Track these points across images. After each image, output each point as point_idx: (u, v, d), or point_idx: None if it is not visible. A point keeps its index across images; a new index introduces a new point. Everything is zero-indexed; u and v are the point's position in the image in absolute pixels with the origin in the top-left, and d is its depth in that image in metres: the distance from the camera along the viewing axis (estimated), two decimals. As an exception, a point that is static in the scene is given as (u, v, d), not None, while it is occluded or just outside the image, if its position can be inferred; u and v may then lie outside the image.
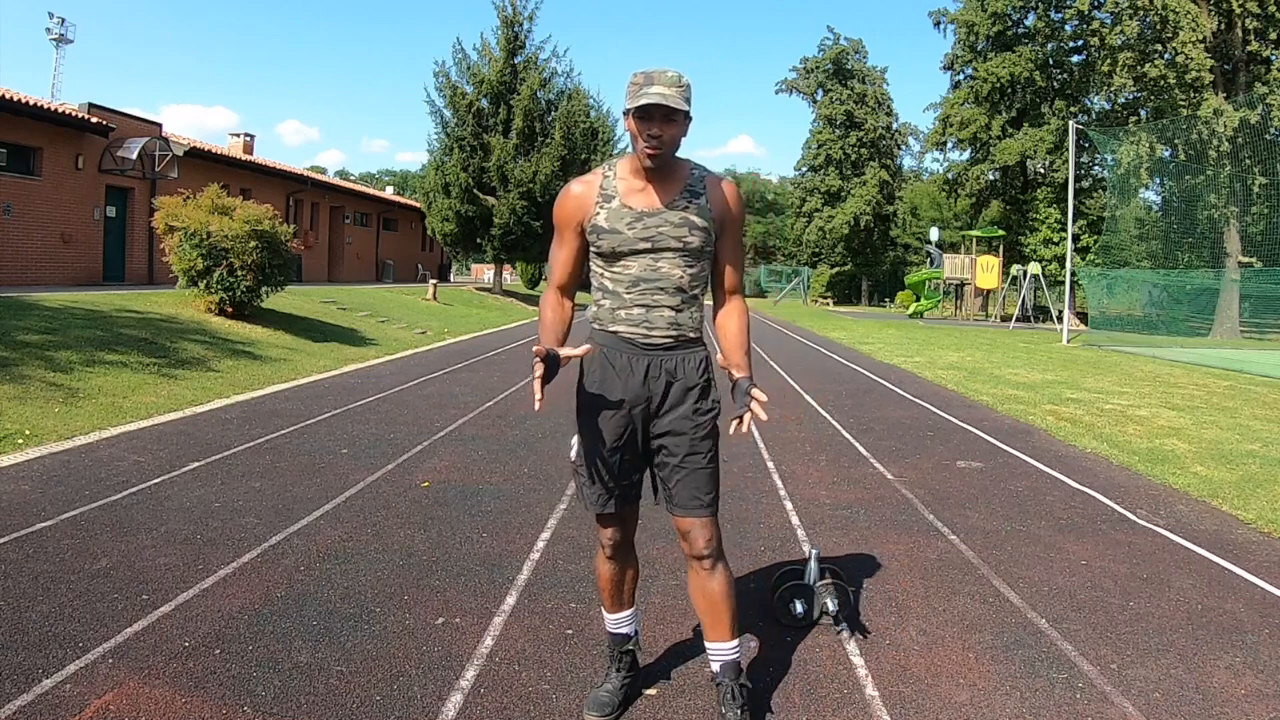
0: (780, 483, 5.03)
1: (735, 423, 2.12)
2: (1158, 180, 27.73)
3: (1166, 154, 26.06)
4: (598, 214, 2.15)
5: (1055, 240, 31.51)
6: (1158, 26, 24.09)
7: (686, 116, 2.07)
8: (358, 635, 2.74)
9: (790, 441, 6.34)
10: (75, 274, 15.96)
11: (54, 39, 40.38)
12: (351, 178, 73.86)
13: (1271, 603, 3.29)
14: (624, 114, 2.08)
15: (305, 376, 9.14)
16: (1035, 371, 12.16)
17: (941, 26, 36.61)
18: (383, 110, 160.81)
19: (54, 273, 15.46)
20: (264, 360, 9.62)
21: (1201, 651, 2.80)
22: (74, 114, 15.88)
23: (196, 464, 4.97)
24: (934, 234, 39.22)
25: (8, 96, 14.27)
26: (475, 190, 25.81)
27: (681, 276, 2.15)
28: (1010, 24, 33.48)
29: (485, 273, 42.35)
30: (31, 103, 14.74)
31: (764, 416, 2.06)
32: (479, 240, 26.89)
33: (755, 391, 2.09)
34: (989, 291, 33.00)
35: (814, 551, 3.07)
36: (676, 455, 2.17)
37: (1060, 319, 22.16)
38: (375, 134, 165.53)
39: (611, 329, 2.19)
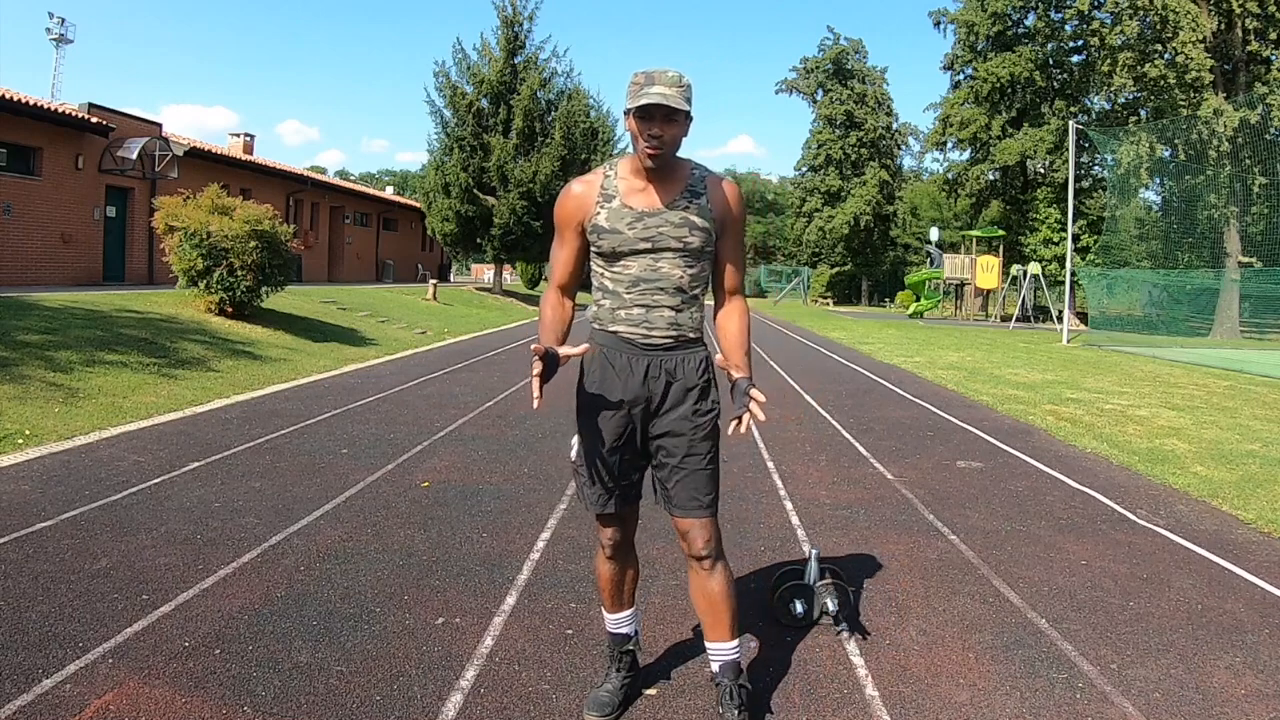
0: (780, 483, 5.03)
1: (734, 423, 2.12)
2: (1158, 180, 27.75)
3: (1166, 154, 26.06)
4: (598, 214, 2.15)
5: (1055, 240, 31.51)
6: (1158, 26, 24.09)
7: (687, 116, 2.07)
8: (358, 635, 2.74)
9: (790, 441, 6.34)
10: (75, 274, 15.96)
11: (54, 39, 40.40)
12: (351, 178, 73.88)
13: (1271, 603, 3.29)
14: (625, 114, 2.08)
15: (305, 376, 9.14)
16: (1035, 371, 12.16)
17: (941, 26, 36.64)
18: (383, 110, 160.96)
19: (54, 273, 15.47)
20: (264, 360, 9.62)
21: (1201, 651, 2.80)
22: (74, 114, 15.88)
23: (196, 464, 4.97)
24: (934, 234, 39.22)
25: (8, 96, 14.27)
26: (475, 190, 25.82)
27: (681, 277, 2.15)
28: (1010, 24, 33.48)
29: (485, 273, 42.36)
30: (31, 103, 14.74)
31: (762, 417, 2.06)
32: (479, 240, 26.89)
33: (754, 392, 2.09)
34: (989, 291, 33.00)
35: (814, 551, 3.07)
36: (676, 456, 2.17)
37: (1060, 319, 22.16)
38: (375, 134, 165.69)
39: (611, 329, 2.19)
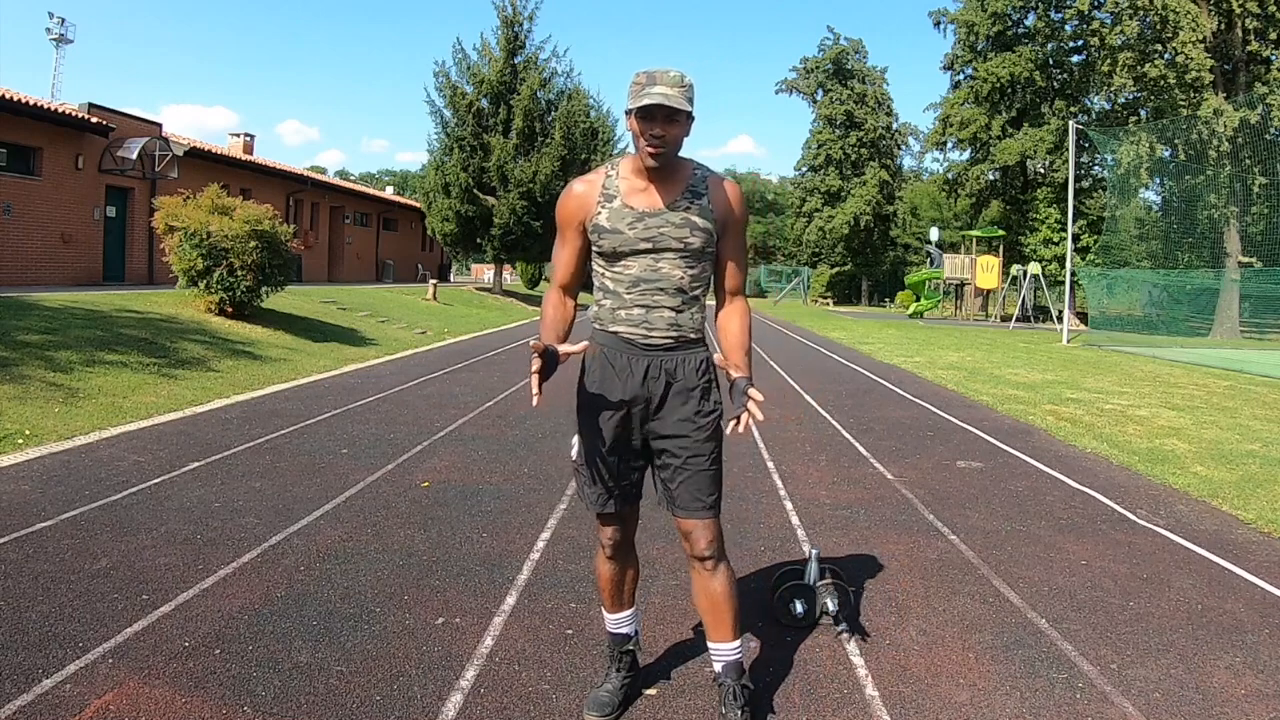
0: (780, 483, 5.03)
1: (733, 423, 2.12)
2: (1158, 180, 27.75)
3: (1166, 154, 26.06)
4: (599, 213, 2.15)
5: (1055, 240, 31.51)
6: (1158, 26, 24.09)
7: (689, 117, 2.06)
8: (358, 635, 2.74)
9: (790, 441, 6.34)
10: (75, 274, 15.96)
11: (54, 39, 40.40)
12: (351, 178, 73.87)
13: (1271, 603, 3.29)
14: (626, 113, 2.07)
15: (305, 376, 9.14)
16: (1035, 371, 12.16)
17: (941, 26, 36.64)
18: (383, 110, 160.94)
19: (54, 273, 15.47)
20: (264, 360, 9.62)
21: (1201, 651, 2.80)
22: (74, 114, 15.88)
23: (196, 464, 4.97)
24: (934, 234, 39.23)
25: (8, 96, 14.27)
26: (475, 190, 25.82)
27: (682, 277, 2.15)
28: (1010, 24, 33.49)
29: (485, 273, 42.35)
30: (31, 103, 14.74)
31: (760, 416, 2.05)
32: (479, 240, 26.89)
33: (752, 391, 2.08)
34: (989, 291, 33.00)
35: (814, 551, 3.07)
36: (679, 457, 2.17)
37: (1060, 319, 22.16)
38: (375, 134, 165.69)
39: (612, 329, 2.19)
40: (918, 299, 34.75)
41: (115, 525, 3.76)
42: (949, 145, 36.89)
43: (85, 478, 4.55)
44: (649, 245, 2.12)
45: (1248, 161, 23.86)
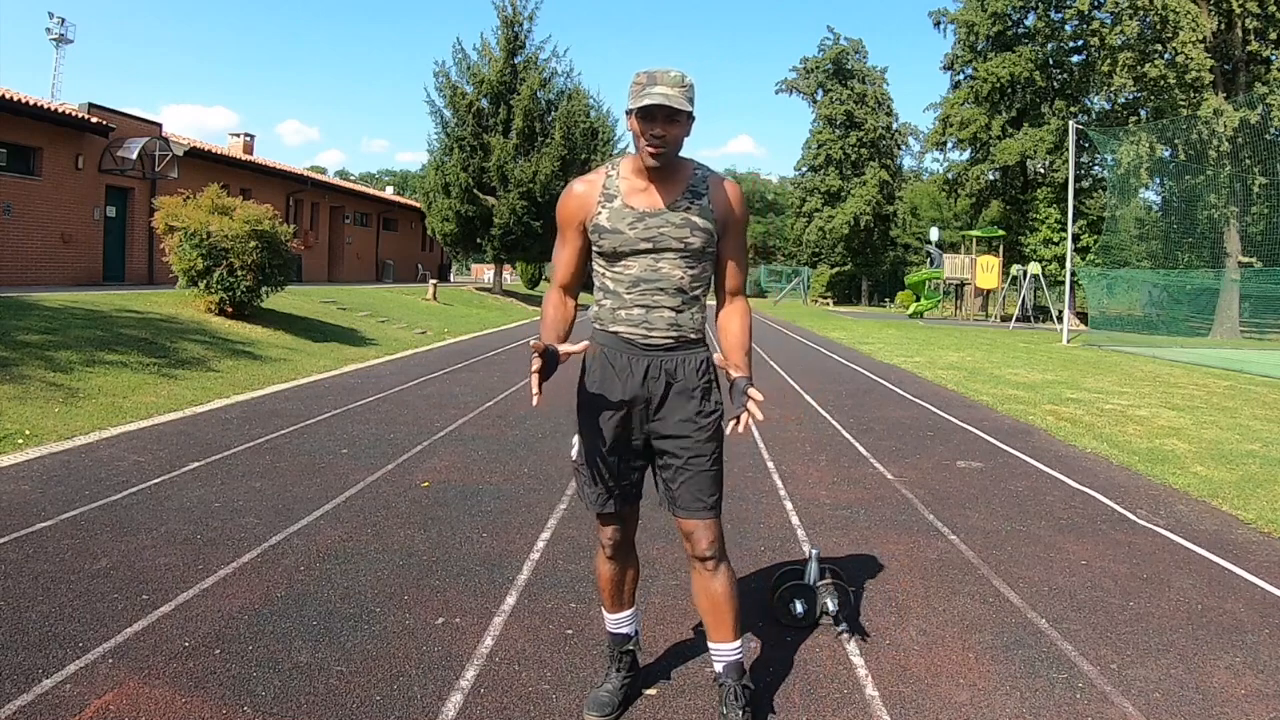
0: (780, 483, 5.03)
1: (732, 423, 2.12)
2: (1158, 180, 27.75)
3: (1166, 154, 26.06)
4: (599, 213, 2.15)
5: (1055, 240, 31.51)
6: (1158, 26, 24.09)
7: (689, 117, 2.06)
8: (358, 635, 2.74)
9: (790, 441, 6.34)
10: (75, 274, 15.96)
11: (54, 39, 40.40)
12: (351, 178, 73.87)
13: (1271, 603, 3.29)
14: (626, 113, 2.07)
15: (305, 376, 9.14)
16: (1035, 371, 12.16)
17: (941, 26, 36.63)
18: (383, 110, 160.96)
19: (54, 273, 15.47)
20: (264, 360, 9.62)
21: (1201, 651, 2.80)
22: (74, 114, 15.88)
23: (196, 464, 4.97)
24: (934, 234, 39.22)
25: (8, 96, 14.27)
26: (475, 190, 25.82)
27: (682, 277, 2.14)
28: (1010, 24, 33.48)
29: (485, 273, 42.35)
30: (31, 103, 14.74)
31: (760, 416, 2.05)
32: (479, 240, 26.89)
33: (752, 391, 2.08)
34: (989, 291, 33.00)
35: (814, 551, 3.07)
36: (681, 458, 2.16)
37: (1060, 319, 22.16)
38: (375, 134, 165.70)
39: (612, 329, 2.19)
40: (918, 299, 34.75)
41: (115, 525, 3.76)
42: (949, 145, 36.90)
43: (85, 478, 4.55)
44: (649, 245, 2.12)
45: (1248, 161, 23.86)
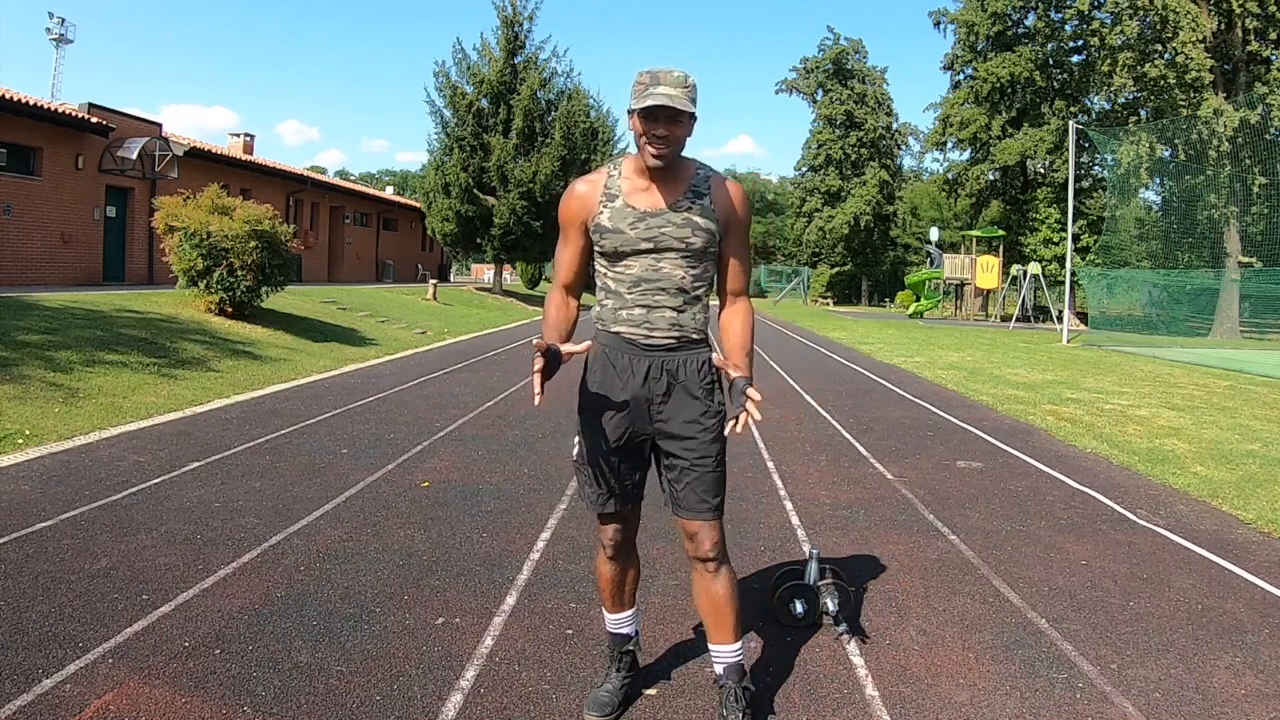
0: (780, 483, 5.03)
1: (731, 423, 2.11)
2: (1158, 180, 27.76)
3: (1166, 154, 26.06)
4: (601, 213, 2.15)
5: (1055, 240, 31.51)
6: (1158, 26, 24.09)
7: (692, 117, 2.05)
8: (358, 635, 2.74)
9: (790, 441, 6.34)
10: (75, 274, 15.96)
11: (54, 39, 40.39)
12: (351, 178, 73.86)
13: (1271, 603, 3.29)
14: (628, 113, 2.06)
15: (305, 376, 9.14)
16: (1035, 371, 12.16)
17: (941, 26, 36.63)
18: (383, 110, 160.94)
19: (54, 273, 15.47)
20: (264, 360, 9.62)
21: (1201, 651, 2.80)
22: (74, 114, 15.88)
23: (196, 464, 4.97)
24: (934, 234, 39.22)
25: (8, 96, 14.27)
26: (475, 190, 25.82)
27: (684, 277, 2.14)
28: (1010, 24, 33.49)
29: (485, 273, 42.34)
30: (31, 103, 14.74)
31: (758, 416, 2.04)
32: (479, 240, 26.90)
33: (751, 391, 2.06)
34: (989, 291, 32.99)
35: (814, 551, 3.07)
36: (686, 459, 2.16)
37: (1060, 319, 22.16)
38: (375, 134, 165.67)
39: (613, 329, 2.19)
40: (918, 299, 34.75)
41: (115, 525, 3.76)
42: (949, 145, 36.90)
43: (85, 478, 4.55)
44: (650, 245, 2.12)
45: (1248, 161, 23.86)
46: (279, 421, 6.42)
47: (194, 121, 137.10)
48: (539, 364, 1.99)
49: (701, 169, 2.19)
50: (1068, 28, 31.86)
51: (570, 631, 2.83)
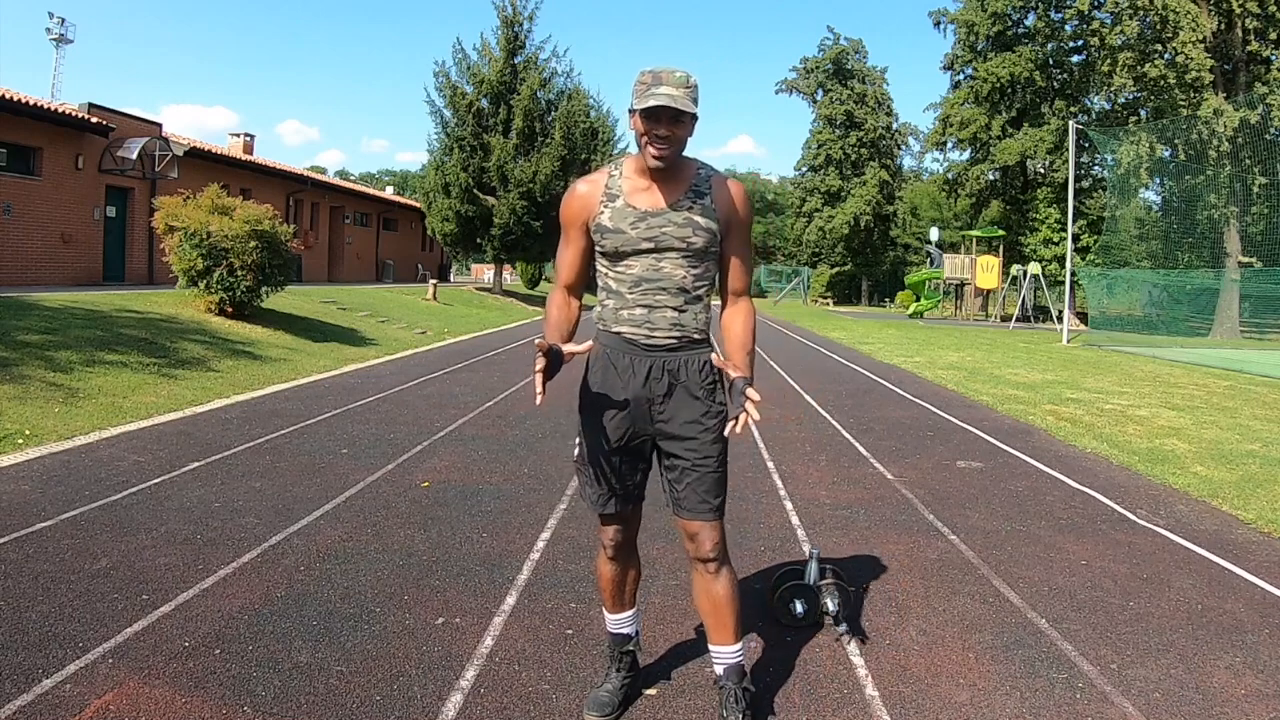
0: (780, 483, 5.03)
1: (731, 423, 2.09)
2: (1158, 180, 27.76)
3: (1166, 154, 26.07)
4: (602, 213, 2.14)
5: (1055, 240, 31.51)
6: (1158, 26, 24.09)
7: (693, 117, 2.04)
8: (358, 635, 2.74)
9: (790, 441, 6.33)
10: (75, 274, 15.95)
11: (54, 39, 40.39)
12: (351, 178, 73.85)
13: (1271, 603, 3.29)
14: (630, 112, 2.05)
15: (305, 376, 9.14)
16: (1035, 371, 12.16)
17: (941, 26, 36.64)
18: (383, 110, 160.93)
19: (54, 273, 15.46)
20: (264, 360, 9.62)
21: (1201, 651, 2.80)
22: (74, 114, 15.88)
23: (196, 464, 4.97)
24: (934, 234, 39.22)
25: (8, 96, 14.27)
26: (475, 190, 25.82)
27: (685, 277, 2.13)
28: (1010, 24, 33.49)
29: (485, 273, 42.33)
30: (31, 103, 14.74)
31: (757, 417, 2.02)
32: (479, 240, 26.90)
33: (750, 391, 2.05)
34: (989, 291, 33.00)
35: (814, 551, 3.07)
36: (687, 460, 2.15)
37: (1060, 319, 22.16)
38: (375, 134, 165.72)
39: (614, 329, 2.18)
40: (918, 299, 34.74)
41: (115, 525, 3.76)
42: (949, 145, 36.90)
43: (85, 478, 4.55)
44: (651, 245, 2.11)
45: (1248, 161, 23.86)
46: (279, 421, 6.42)
47: (194, 121, 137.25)
48: (540, 364, 1.98)
49: (703, 168, 2.18)
50: (1068, 28, 31.87)
51: (570, 631, 2.83)
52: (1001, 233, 33.28)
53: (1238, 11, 23.47)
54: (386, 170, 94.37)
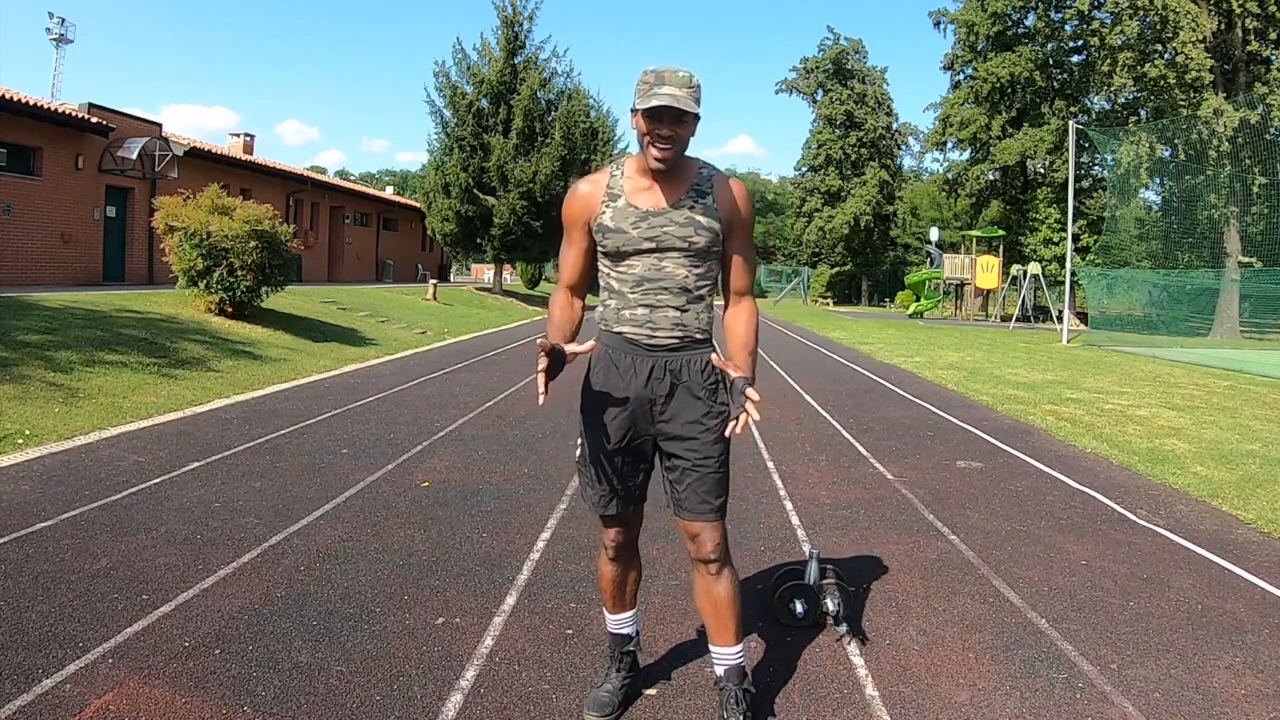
0: (780, 483, 5.03)
1: (731, 423, 2.08)
2: (1158, 180, 27.77)
3: (1166, 154, 26.07)
4: (604, 213, 2.14)
5: (1055, 240, 31.52)
6: (1158, 26, 24.09)
7: (696, 117, 2.04)
8: (358, 635, 2.74)
9: (790, 441, 6.33)
10: (75, 274, 15.95)
11: (54, 39, 40.39)
12: (351, 178, 73.84)
13: (1271, 603, 3.29)
14: (632, 111, 2.05)
15: (305, 376, 9.14)
16: (1035, 371, 12.16)
17: (941, 26, 36.64)
18: (383, 110, 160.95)
19: (54, 273, 15.46)
20: (264, 360, 9.62)
21: (1201, 651, 2.80)
22: (74, 114, 15.88)
23: (196, 464, 4.97)
24: (934, 234, 39.23)
25: (8, 96, 14.27)
26: (475, 190, 25.82)
27: (686, 276, 2.13)
28: (1010, 24, 33.49)
29: (485, 273, 42.31)
30: (31, 103, 14.74)
31: (757, 417, 2.02)
32: (479, 240, 26.89)
33: (750, 391, 2.04)
34: (989, 291, 33.00)
35: (814, 551, 3.07)
36: (689, 460, 2.15)
37: (1060, 319, 22.16)
38: (375, 134, 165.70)
39: (616, 329, 2.18)
40: (918, 299, 34.75)
41: (115, 525, 3.76)
42: (949, 145, 36.91)
43: (85, 478, 4.55)
44: (652, 245, 2.11)
45: (1248, 161, 23.87)
46: (279, 421, 6.42)
47: (194, 121, 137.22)
48: (543, 364, 1.98)
49: (704, 168, 2.17)
50: (1068, 28, 31.87)
51: (570, 631, 2.83)
52: (1001, 233, 33.28)
53: (1238, 11, 23.47)
54: (386, 170, 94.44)
